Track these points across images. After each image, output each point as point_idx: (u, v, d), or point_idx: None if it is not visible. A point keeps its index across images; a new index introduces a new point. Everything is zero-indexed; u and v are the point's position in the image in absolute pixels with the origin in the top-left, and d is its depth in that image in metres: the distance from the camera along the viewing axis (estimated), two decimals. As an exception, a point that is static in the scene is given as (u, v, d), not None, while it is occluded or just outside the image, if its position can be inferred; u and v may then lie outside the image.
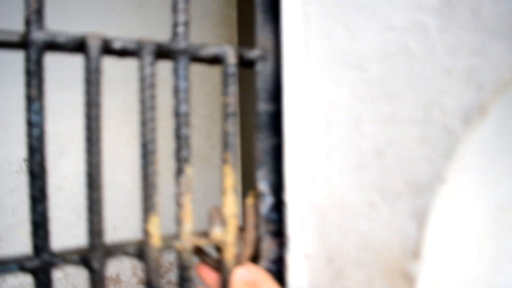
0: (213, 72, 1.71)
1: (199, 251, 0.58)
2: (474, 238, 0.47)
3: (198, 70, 1.69)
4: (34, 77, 0.45)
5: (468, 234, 0.46)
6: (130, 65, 1.57)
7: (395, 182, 0.45)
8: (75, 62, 1.49)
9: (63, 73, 1.48)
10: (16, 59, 1.40)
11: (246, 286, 0.54)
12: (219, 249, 0.59)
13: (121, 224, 1.59)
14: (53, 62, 1.45)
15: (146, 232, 0.50)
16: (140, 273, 1.61)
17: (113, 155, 1.54)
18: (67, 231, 1.50)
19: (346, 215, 0.50)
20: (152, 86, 0.49)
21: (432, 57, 0.42)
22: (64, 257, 0.48)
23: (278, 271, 0.58)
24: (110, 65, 1.53)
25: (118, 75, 1.55)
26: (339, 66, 0.50)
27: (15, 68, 1.40)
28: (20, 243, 1.44)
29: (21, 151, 1.43)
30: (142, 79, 0.49)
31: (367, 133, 0.47)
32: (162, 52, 0.51)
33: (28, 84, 0.46)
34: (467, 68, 0.39)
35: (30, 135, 0.46)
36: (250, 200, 0.58)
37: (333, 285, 0.53)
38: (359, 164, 0.48)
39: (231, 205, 0.54)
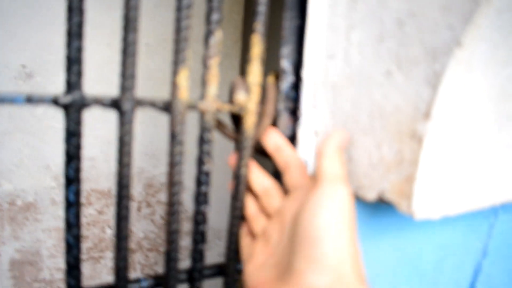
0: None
1: (219, 124, 0.62)
2: (480, 103, 0.51)
3: (198, 1, 1.68)
4: None
5: (475, 99, 0.50)
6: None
7: (413, 50, 0.48)
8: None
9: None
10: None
11: (274, 148, 0.58)
12: (237, 123, 0.62)
13: (115, 138, 1.61)
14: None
15: (174, 85, 0.52)
16: (132, 190, 1.64)
17: (113, 70, 1.55)
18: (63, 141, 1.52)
19: (361, 86, 0.54)
20: None
21: None
22: (96, 98, 0.50)
23: (294, 146, 0.62)
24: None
25: None
26: None
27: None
28: (15, 149, 1.46)
29: (20, 57, 1.42)
30: None
31: (390, 6, 0.50)
32: None
33: None
34: None
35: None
36: (271, 78, 0.61)
37: (341, 154, 0.57)
38: (380, 37, 0.51)
39: (256, 73, 0.56)
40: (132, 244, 1.69)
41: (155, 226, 1.71)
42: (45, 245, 1.54)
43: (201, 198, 0.58)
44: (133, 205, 1.67)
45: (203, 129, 0.56)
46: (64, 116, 0.50)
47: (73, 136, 0.50)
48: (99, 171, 1.59)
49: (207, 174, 0.58)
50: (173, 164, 0.55)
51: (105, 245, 1.64)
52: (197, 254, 0.60)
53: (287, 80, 0.60)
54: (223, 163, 1.71)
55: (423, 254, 0.65)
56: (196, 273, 0.60)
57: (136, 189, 1.67)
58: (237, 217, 0.60)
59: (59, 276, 1.55)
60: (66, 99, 0.49)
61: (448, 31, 0.45)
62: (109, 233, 1.64)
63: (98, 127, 1.55)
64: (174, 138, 0.54)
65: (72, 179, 0.51)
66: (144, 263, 1.72)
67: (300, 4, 0.59)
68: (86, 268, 1.61)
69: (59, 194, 1.54)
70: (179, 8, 0.51)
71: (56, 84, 1.48)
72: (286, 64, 0.59)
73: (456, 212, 0.54)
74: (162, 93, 1.64)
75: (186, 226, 1.80)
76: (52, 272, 1.54)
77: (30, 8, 1.42)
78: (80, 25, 0.48)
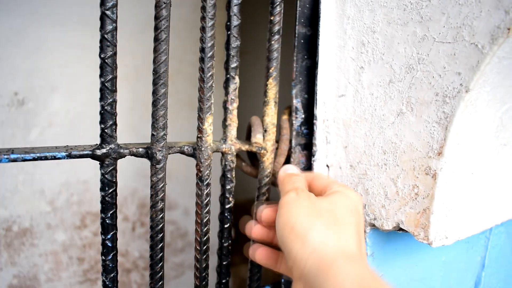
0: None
1: (237, 160, 0.65)
2: (481, 137, 0.56)
3: (188, 18, 1.71)
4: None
5: (478, 134, 0.55)
6: (125, 4, 1.57)
7: (424, 94, 0.52)
8: (67, -1, 1.48)
9: (56, 9, 1.47)
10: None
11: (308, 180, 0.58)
12: (252, 158, 0.66)
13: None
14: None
15: (200, 130, 0.56)
16: (125, 211, 1.66)
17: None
18: (57, 166, 1.53)
19: (374, 124, 0.58)
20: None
21: (465, -15, 0.49)
22: (129, 148, 0.53)
23: (304, 179, 0.66)
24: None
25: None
26: (376, -6, 0.57)
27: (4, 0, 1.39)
28: (10, 175, 1.45)
29: (12, 85, 1.42)
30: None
31: (398, 52, 0.55)
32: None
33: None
34: (497, -6, 0.47)
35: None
36: (285, 115, 0.64)
37: (356, 187, 0.61)
38: (390, 80, 0.56)
39: (271, 115, 0.60)
40: (128, 264, 1.70)
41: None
42: (42, 270, 1.54)
43: (225, 234, 0.61)
44: (127, 226, 1.68)
45: (225, 169, 0.59)
46: (100, 169, 0.52)
47: (109, 186, 0.53)
48: (93, 194, 1.60)
49: (230, 211, 0.61)
50: (202, 206, 0.58)
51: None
52: (221, 286, 0.63)
53: (298, 118, 0.64)
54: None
55: (431, 271, 0.70)
56: (223, 304, 0.63)
57: (130, 209, 1.68)
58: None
59: (58, 300, 1.55)
60: (102, 151, 0.51)
61: (456, 77, 0.50)
62: (106, 254, 1.65)
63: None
64: (202, 182, 0.57)
65: (110, 227, 0.53)
66: (140, 282, 1.73)
67: (309, 45, 0.63)
68: (84, 291, 1.61)
69: (54, 219, 1.54)
70: (203, 59, 0.54)
71: (48, 109, 1.48)
72: (296, 103, 0.63)
73: (466, 236, 0.59)
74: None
75: (179, 243, 1.82)
76: (50, 297, 1.54)
77: (16, 33, 1.42)
78: (113, 81, 0.51)
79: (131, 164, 1.65)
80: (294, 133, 0.64)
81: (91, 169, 1.59)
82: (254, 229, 0.57)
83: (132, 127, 1.62)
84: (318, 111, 0.63)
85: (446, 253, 0.71)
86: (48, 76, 1.47)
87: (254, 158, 0.68)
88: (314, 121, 0.63)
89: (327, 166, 0.65)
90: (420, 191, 0.53)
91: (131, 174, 1.65)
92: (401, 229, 0.57)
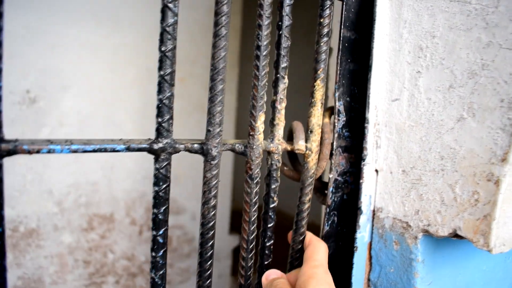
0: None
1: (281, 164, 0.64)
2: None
3: (203, 21, 1.71)
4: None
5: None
6: (140, 4, 1.56)
7: (487, 100, 0.52)
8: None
9: (71, 7, 1.45)
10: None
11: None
12: (293, 163, 0.65)
13: (117, 163, 1.60)
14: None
15: (253, 128, 0.54)
16: (133, 214, 1.63)
17: (115, 95, 1.54)
18: (66, 166, 1.50)
19: (431, 130, 0.57)
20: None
21: (536, -10, 0.48)
22: (184, 143, 0.52)
23: (344, 182, 0.64)
24: (118, 4, 1.51)
25: (126, 15, 1.54)
26: (437, -2, 0.56)
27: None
28: (18, 174, 1.42)
29: (24, 82, 1.40)
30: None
31: (460, 58, 0.54)
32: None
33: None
34: None
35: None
36: (326, 118, 0.63)
37: (408, 193, 0.60)
38: (450, 85, 0.55)
39: (318, 116, 0.59)
40: (133, 268, 1.67)
41: (157, 249, 1.69)
42: (47, 272, 1.51)
43: (268, 233, 0.60)
44: (135, 229, 1.65)
45: (271, 168, 0.58)
46: (155, 163, 0.50)
47: (163, 181, 0.51)
48: (101, 196, 1.57)
49: (274, 210, 0.60)
50: (250, 204, 0.56)
51: (107, 270, 1.61)
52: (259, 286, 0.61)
53: (341, 120, 0.63)
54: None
55: (473, 279, 0.69)
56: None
57: (138, 213, 1.65)
58: (298, 250, 0.62)
59: (61, 303, 1.51)
60: (159, 146, 0.50)
61: (524, 83, 0.49)
62: (111, 257, 1.61)
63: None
64: (252, 180, 0.55)
65: (161, 223, 0.52)
66: (146, 286, 1.70)
67: (352, 49, 0.62)
68: (88, 295, 1.58)
69: (61, 220, 1.51)
70: (258, 57, 0.53)
71: (59, 109, 1.46)
72: (339, 105, 0.62)
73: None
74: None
75: (185, 248, 1.79)
76: (54, 300, 1.50)
77: (31, 31, 1.40)
78: (172, 75, 0.49)
79: (139, 167, 1.63)
80: (335, 135, 0.63)
81: (100, 170, 1.57)
82: None
83: (141, 128, 1.60)
84: (370, 114, 0.62)
85: (486, 262, 0.70)
86: (60, 75, 1.45)
87: (295, 161, 0.66)
88: (366, 124, 0.62)
89: (376, 171, 0.64)
90: (481, 198, 0.52)
91: (140, 177, 1.63)
92: (456, 236, 0.56)
